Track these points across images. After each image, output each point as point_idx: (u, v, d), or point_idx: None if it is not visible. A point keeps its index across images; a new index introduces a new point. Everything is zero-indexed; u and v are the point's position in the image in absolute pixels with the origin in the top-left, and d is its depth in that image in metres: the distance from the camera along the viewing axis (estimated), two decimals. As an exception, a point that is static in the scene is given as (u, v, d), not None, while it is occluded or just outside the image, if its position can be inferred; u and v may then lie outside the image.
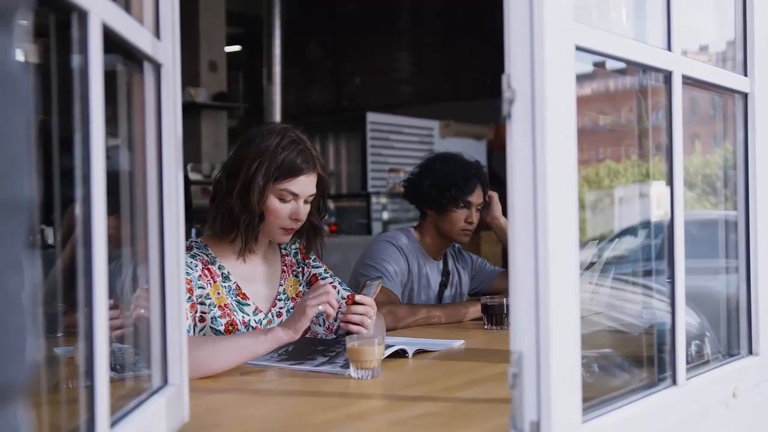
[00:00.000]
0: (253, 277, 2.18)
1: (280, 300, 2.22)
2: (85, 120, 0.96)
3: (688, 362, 1.47)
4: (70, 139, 0.97)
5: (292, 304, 2.23)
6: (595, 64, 1.37)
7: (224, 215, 2.10)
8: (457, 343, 2.26)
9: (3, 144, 0.50)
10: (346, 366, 1.83)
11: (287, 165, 2.07)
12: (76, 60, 0.97)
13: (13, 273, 0.52)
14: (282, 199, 2.09)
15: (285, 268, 2.27)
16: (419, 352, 2.09)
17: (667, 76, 1.44)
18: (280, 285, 2.24)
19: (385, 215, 7.22)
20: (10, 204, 0.51)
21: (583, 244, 1.21)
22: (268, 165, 2.05)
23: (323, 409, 1.57)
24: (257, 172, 2.05)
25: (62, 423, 1.10)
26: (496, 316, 2.55)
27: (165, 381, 1.31)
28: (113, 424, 1.04)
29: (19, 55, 0.54)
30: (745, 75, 1.72)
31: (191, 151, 6.80)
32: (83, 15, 0.95)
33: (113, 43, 1.06)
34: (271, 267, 2.25)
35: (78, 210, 0.98)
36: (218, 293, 2.08)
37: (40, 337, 0.57)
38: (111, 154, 1.03)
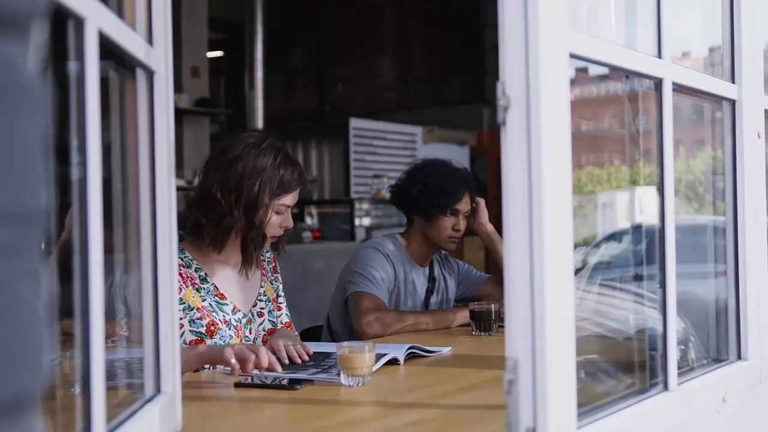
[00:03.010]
0: (233, 279, 2.25)
1: (261, 300, 2.31)
2: (81, 126, 0.95)
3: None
4: (64, 145, 0.96)
5: (271, 306, 2.33)
6: (578, 70, 1.37)
7: (223, 230, 2.14)
8: (445, 350, 2.26)
9: (20, 153, 0.50)
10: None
11: (286, 182, 2.18)
12: (71, 66, 0.96)
13: (31, 283, 0.51)
14: (278, 213, 2.20)
15: (264, 271, 2.36)
16: (411, 357, 2.09)
17: (658, 83, 1.45)
18: (261, 286, 2.32)
19: (369, 221, 7.19)
20: (27, 213, 0.50)
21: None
22: (270, 184, 2.15)
23: (316, 417, 1.57)
24: (261, 191, 2.13)
25: (57, 433, 1.09)
26: (484, 323, 2.55)
27: (158, 389, 1.30)
28: (108, 433, 1.03)
29: (33, 65, 0.53)
30: (733, 82, 1.74)
31: (173, 157, 6.75)
32: (80, 22, 0.94)
33: (107, 49, 1.05)
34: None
35: (67, 216, 0.97)
36: (194, 296, 2.13)
37: (51, 346, 0.57)
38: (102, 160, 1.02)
